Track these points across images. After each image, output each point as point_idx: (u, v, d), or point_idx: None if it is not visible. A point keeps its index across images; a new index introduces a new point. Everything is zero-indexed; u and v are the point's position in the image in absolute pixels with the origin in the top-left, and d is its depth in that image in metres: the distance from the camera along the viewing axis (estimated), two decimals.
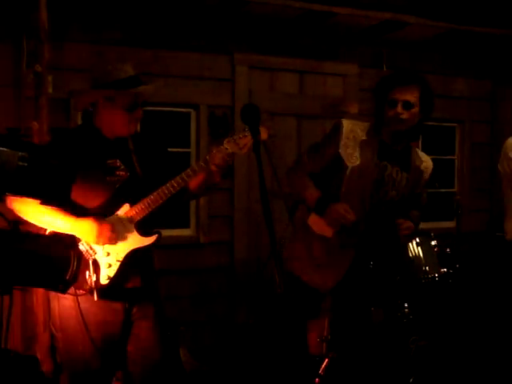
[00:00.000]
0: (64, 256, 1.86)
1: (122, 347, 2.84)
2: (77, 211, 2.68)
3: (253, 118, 2.47)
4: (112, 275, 2.72)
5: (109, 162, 2.80)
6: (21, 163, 1.65)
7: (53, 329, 2.89)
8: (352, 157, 3.11)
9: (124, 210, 2.75)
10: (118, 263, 2.73)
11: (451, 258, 4.46)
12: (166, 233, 3.07)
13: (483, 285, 5.02)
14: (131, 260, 2.77)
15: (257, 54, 5.37)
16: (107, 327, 2.76)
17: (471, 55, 6.28)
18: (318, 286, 3.18)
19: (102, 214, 2.74)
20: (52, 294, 2.71)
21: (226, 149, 2.74)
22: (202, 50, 5.17)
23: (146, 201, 2.74)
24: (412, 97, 3.05)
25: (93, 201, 2.75)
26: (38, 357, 3.82)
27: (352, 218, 3.02)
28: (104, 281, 2.70)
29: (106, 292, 2.71)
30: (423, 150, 6.18)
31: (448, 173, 6.51)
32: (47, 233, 2.64)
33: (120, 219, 2.75)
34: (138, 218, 2.76)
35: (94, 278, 2.67)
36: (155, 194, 2.74)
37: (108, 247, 2.72)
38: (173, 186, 2.73)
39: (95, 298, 2.66)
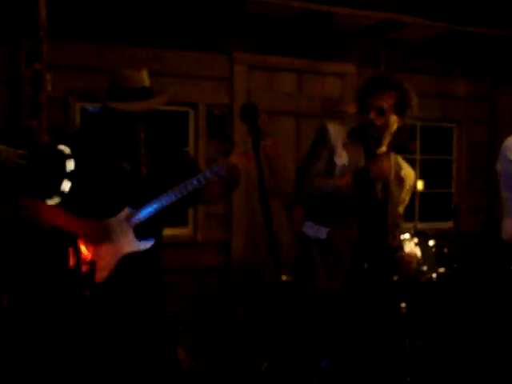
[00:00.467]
0: (62, 253, 1.86)
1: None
2: (78, 210, 2.69)
3: (252, 117, 2.47)
4: (105, 276, 2.72)
5: (116, 163, 2.80)
6: (20, 161, 1.64)
7: None
8: (341, 156, 3.11)
9: (125, 213, 2.76)
10: (112, 265, 2.74)
11: (449, 258, 4.48)
12: (163, 232, 3.08)
13: (481, 285, 5.03)
14: (127, 263, 2.77)
15: (255, 54, 5.38)
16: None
17: (469, 56, 6.29)
18: (323, 289, 3.16)
19: (102, 214, 2.74)
20: None
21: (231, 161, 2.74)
22: (201, 49, 5.18)
23: (147, 206, 2.74)
24: (385, 102, 3.04)
25: (95, 201, 2.76)
26: None
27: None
28: (98, 280, 2.70)
29: (99, 291, 2.72)
30: (421, 151, 6.28)
31: (445, 173, 6.52)
32: (46, 230, 2.65)
33: (119, 222, 2.76)
34: (137, 221, 2.76)
35: (88, 277, 2.67)
36: (156, 200, 2.74)
37: (104, 249, 2.73)
38: (175, 194, 2.74)
39: (87, 295, 2.67)
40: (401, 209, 3.31)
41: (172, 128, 5.25)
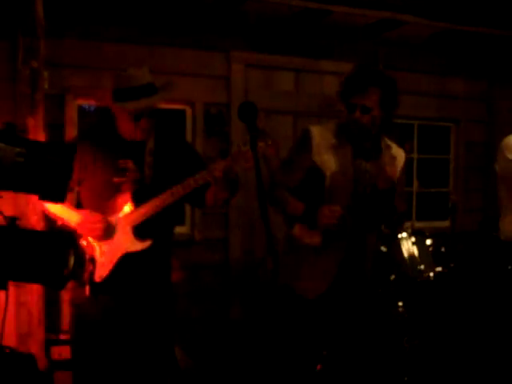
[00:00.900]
0: (61, 252, 1.86)
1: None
2: (80, 207, 2.70)
3: (250, 115, 2.46)
4: (104, 274, 2.72)
5: (120, 162, 2.79)
6: (18, 159, 1.64)
7: None
8: (329, 163, 3.08)
9: (125, 212, 2.75)
10: (111, 264, 2.73)
11: (446, 257, 4.48)
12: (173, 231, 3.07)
13: (478, 284, 5.03)
14: (126, 262, 2.76)
15: (253, 52, 5.37)
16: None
17: (467, 55, 6.29)
18: (309, 292, 3.12)
19: (103, 212, 2.74)
20: None
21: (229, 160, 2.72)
22: (199, 48, 5.17)
23: (148, 205, 2.73)
24: (370, 101, 3.02)
25: (97, 199, 2.76)
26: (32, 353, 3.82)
27: (339, 212, 2.95)
28: (96, 278, 2.70)
29: (98, 289, 2.72)
30: (418, 150, 6.28)
31: (443, 172, 6.52)
32: (45, 228, 2.66)
33: (119, 220, 2.75)
34: (138, 221, 2.76)
35: (88, 274, 2.68)
36: (156, 199, 2.73)
37: (104, 247, 2.73)
38: (172, 194, 2.73)
39: (87, 292, 2.67)
40: (400, 188, 3.25)
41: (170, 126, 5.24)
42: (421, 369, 4.06)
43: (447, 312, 4.61)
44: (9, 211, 2.16)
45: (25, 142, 1.69)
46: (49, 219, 2.92)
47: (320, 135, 3.10)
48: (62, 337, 4.05)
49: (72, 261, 1.89)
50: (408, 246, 4.34)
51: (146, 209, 2.73)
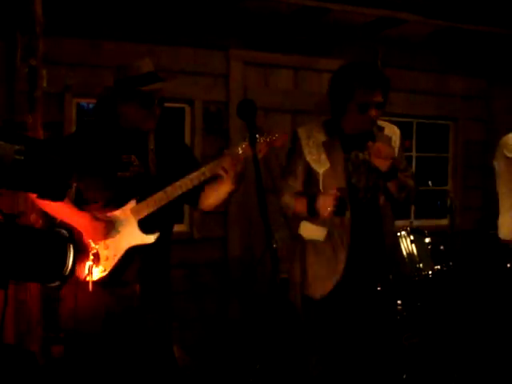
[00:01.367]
0: (61, 250, 1.85)
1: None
2: (83, 202, 2.70)
3: (249, 113, 2.46)
4: (108, 269, 2.72)
5: (124, 157, 2.79)
6: (17, 156, 1.63)
7: None
8: (320, 161, 3.10)
9: (130, 206, 2.75)
10: (116, 258, 2.73)
11: (445, 256, 4.48)
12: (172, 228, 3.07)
13: (477, 282, 5.04)
14: (131, 256, 2.76)
15: (252, 50, 5.37)
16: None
17: (466, 53, 6.29)
18: (316, 292, 3.14)
19: (107, 207, 2.74)
20: None
21: (238, 152, 2.71)
22: (198, 46, 5.16)
23: (153, 199, 2.73)
24: (381, 97, 3.04)
25: (101, 194, 2.76)
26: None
27: (336, 196, 2.95)
28: (100, 273, 2.70)
29: (101, 283, 2.72)
30: (417, 148, 6.28)
31: (441, 171, 6.53)
32: (44, 226, 2.65)
33: (124, 215, 2.75)
34: (143, 215, 2.75)
35: (91, 269, 2.67)
36: (161, 193, 2.73)
37: (108, 241, 2.73)
38: (180, 187, 2.72)
39: (90, 288, 2.67)
40: (401, 166, 3.19)
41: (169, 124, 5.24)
42: (419, 367, 4.06)
43: (446, 310, 4.61)
44: (7, 209, 2.16)
45: (24, 139, 1.68)
46: (48, 217, 2.91)
47: (307, 136, 3.14)
48: (62, 335, 4.05)
49: (71, 258, 1.88)
50: (407, 245, 4.34)
51: (152, 202, 2.73)
